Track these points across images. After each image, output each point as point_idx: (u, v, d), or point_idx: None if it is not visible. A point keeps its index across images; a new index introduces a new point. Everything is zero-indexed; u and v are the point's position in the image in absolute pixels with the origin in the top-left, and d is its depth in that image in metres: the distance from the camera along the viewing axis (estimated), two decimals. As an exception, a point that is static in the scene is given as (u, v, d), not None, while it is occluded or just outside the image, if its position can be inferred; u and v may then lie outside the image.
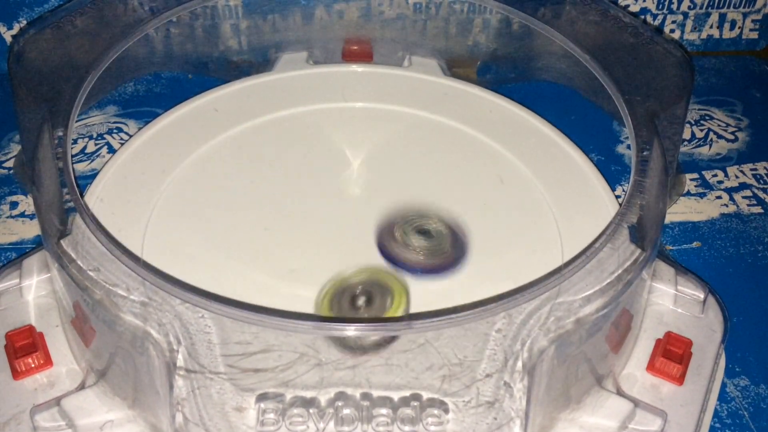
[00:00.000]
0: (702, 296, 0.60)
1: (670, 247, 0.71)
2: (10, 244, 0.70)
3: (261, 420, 0.49)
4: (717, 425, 0.59)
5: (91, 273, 0.50)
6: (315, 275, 0.60)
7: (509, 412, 0.50)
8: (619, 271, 0.52)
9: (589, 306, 0.51)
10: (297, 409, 0.49)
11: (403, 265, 0.61)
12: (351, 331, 0.48)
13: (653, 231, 0.55)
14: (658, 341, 0.59)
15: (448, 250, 0.63)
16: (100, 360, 0.54)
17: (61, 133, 0.58)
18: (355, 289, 0.60)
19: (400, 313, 0.58)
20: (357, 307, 0.58)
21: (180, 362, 0.49)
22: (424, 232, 0.64)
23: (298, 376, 0.50)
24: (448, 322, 0.49)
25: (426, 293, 0.59)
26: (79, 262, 0.51)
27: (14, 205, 0.73)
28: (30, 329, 0.58)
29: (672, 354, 0.58)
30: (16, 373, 0.56)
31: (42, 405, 0.53)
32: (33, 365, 0.56)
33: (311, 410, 0.49)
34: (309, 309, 0.57)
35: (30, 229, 0.71)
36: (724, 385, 0.61)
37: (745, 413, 0.60)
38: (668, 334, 0.59)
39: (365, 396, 0.50)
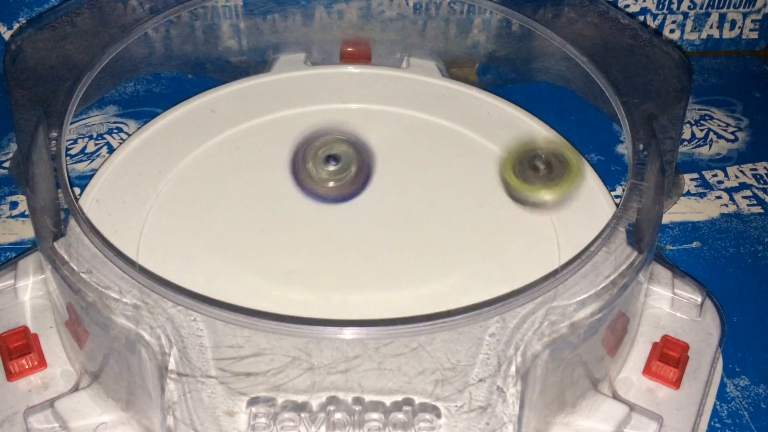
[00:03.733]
0: (699, 300, 0.60)
1: (670, 247, 0.71)
2: (10, 244, 0.70)
3: (252, 424, 0.49)
4: (717, 425, 0.59)
5: (83, 275, 0.50)
6: (311, 278, 0.60)
7: (502, 417, 0.50)
8: (615, 275, 0.52)
9: (584, 310, 0.50)
10: (288, 413, 0.49)
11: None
12: (346, 334, 0.48)
13: (650, 233, 0.54)
14: (655, 345, 0.58)
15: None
16: (93, 362, 0.54)
17: (55, 134, 0.58)
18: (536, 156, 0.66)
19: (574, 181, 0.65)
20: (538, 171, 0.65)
21: (171, 365, 0.49)
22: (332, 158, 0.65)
23: (290, 380, 0.49)
24: (441, 326, 0.49)
25: (419, 296, 0.59)
26: (72, 264, 0.51)
27: (14, 205, 0.74)
28: (24, 330, 0.58)
29: (668, 358, 0.58)
30: (9, 375, 0.56)
31: (36, 406, 0.54)
32: (27, 366, 0.56)
33: (303, 414, 0.49)
34: (303, 312, 0.57)
35: (30, 229, 0.71)
36: (724, 385, 0.61)
37: (745, 413, 0.59)
38: (665, 338, 0.59)
39: (357, 400, 0.50)
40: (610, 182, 0.72)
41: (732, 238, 0.72)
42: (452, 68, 0.83)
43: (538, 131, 0.72)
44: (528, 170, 0.65)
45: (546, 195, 0.65)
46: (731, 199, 0.75)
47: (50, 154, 0.57)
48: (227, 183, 0.68)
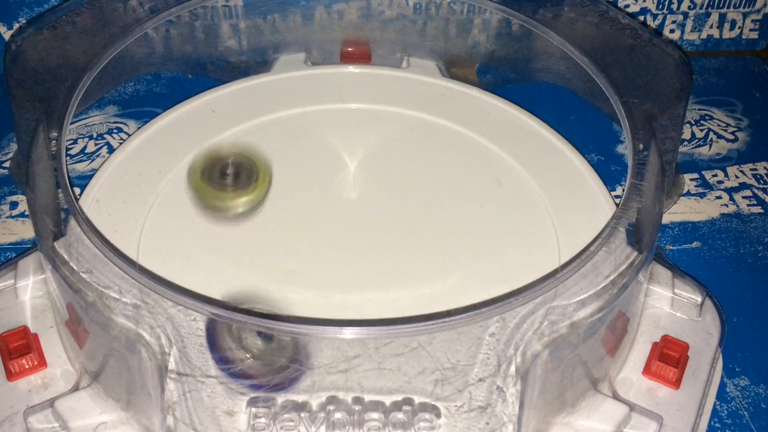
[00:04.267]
0: (699, 300, 0.60)
1: (670, 247, 0.71)
2: (10, 244, 0.70)
3: (252, 424, 0.49)
4: (717, 425, 0.59)
5: (83, 275, 0.50)
6: (311, 278, 0.60)
7: (502, 416, 0.50)
8: (615, 275, 0.52)
9: (584, 310, 0.50)
10: (288, 413, 0.49)
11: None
12: (346, 334, 0.48)
13: (650, 233, 0.54)
14: (655, 345, 0.58)
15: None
16: (93, 362, 0.54)
17: (55, 134, 0.58)
18: (226, 162, 0.66)
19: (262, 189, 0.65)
20: (225, 179, 0.65)
21: (171, 365, 0.49)
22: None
23: (290, 379, 0.50)
24: (441, 326, 0.49)
25: (419, 296, 0.59)
26: (72, 264, 0.51)
27: (14, 205, 0.74)
28: (24, 330, 0.58)
29: (668, 357, 0.57)
30: (9, 374, 0.56)
31: (36, 406, 0.53)
32: (27, 366, 0.56)
33: (302, 414, 0.49)
34: (303, 312, 0.57)
35: (30, 229, 0.71)
36: (724, 385, 0.61)
37: (745, 413, 0.59)
38: (665, 338, 0.59)
39: (357, 400, 0.50)
40: (610, 182, 0.72)
41: (732, 238, 0.72)
42: (452, 68, 0.83)
43: (536, 131, 0.72)
44: (218, 178, 0.65)
45: (237, 202, 0.65)
46: (731, 199, 0.75)
47: (50, 154, 0.57)
48: (227, 183, 0.68)
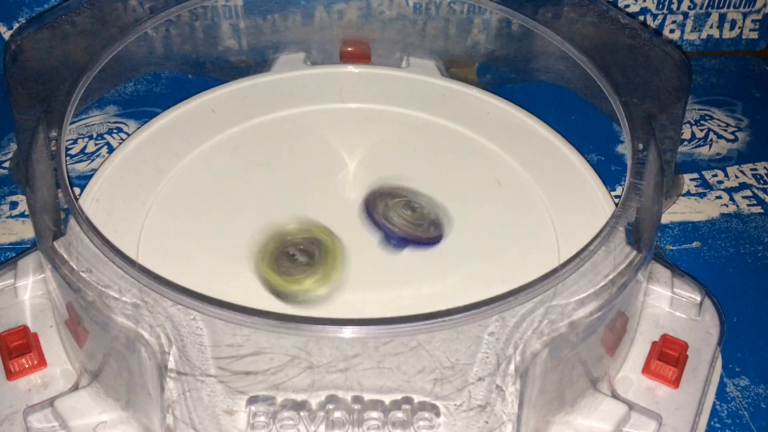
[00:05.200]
0: (698, 299, 0.60)
1: (670, 247, 0.71)
2: (10, 244, 0.70)
3: (251, 423, 0.49)
4: (717, 425, 0.59)
5: (83, 274, 0.50)
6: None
7: (501, 415, 0.50)
8: (614, 274, 0.52)
9: (583, 309, 0.50)
10: (288, 412, 0.49)
11: (386, 230, 0.63)
12: (345, 333, 0.48)
13: (649, 233, 0.54)
14: (654, 344, 0.58)
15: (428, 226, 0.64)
16: (93, 361, 0.54)
17: (55, 134, 0.58)
18: (295, 245, 0.62)
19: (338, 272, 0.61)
20: (296, 263, 0.60)
21: (171, 364, 0.49)
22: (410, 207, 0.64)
23: (290, 378, 0.49)
24: (440, 325, 0.49)
25: (419, 296, 0.59)
26: (71, 264, 0.51)
27: (14, 205, 0.74)
28: (24, 330, 0.58)
29: (668, 357, 0.58)
30: (9, 374, 0.56)
31: (35, 406, 0.53)
32: (27, 366, 0.56)
33: (302, 413, 0.49)
34: (303, 311, 0.57)
35: (30, 229, 0.71)
36: (724, 385, 0.61)
37: (745, 413, 0.59)
38: (664, 337, 0.59)
39: (356, 399, 0.50)
40: (610, 182, 0.72)
41: (732, 238, 0.72)
42: (452, 68, 0.83)
43: (535, 131, 0.72)
44: (286, 262, 0.60)
45: (311, 284, 0.59)
46: (731, 199, 0.75)
47: (50, 154, 0.57)
48: (227, 183, 0.68)
